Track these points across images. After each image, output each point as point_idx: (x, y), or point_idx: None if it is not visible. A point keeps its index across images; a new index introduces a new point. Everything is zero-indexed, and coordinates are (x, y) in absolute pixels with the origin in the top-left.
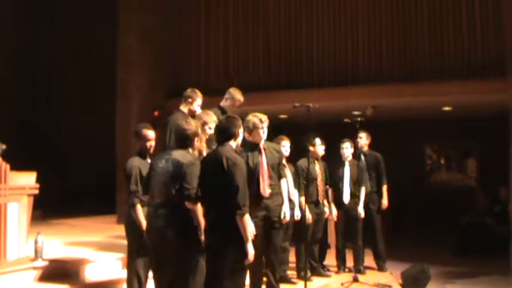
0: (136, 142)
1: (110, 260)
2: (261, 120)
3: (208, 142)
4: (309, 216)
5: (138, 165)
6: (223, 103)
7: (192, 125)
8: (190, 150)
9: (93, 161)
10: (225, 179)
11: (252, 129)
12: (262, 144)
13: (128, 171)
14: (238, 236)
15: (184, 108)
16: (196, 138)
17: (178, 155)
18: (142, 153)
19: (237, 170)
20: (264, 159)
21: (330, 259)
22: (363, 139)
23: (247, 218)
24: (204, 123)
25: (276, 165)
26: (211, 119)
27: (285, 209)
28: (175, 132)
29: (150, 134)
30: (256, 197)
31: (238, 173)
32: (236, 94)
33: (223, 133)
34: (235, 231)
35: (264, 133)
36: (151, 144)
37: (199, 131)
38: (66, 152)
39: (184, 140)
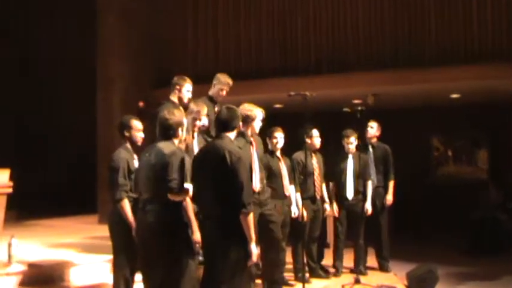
0: (121, 135)
1: (94, 263)
2: (257, 113)
3: (202, 134)
4: (304, 213)
5: (126, 157)
6: (211, 91)
7: (175, 115)
8: (175, 140)
9: (73, 157)
10: (227, 174)
11: (248, 122)
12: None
13: (114, 164)
14: (241, 235)
15: (174, 97)
16: (180, 128)
17: (162, 146)
18: (130, 146)
19: (241, 165)
20: (254, 153)
21: (329, 259)
22: (374, 129)
23: (251, 217)
24: (196, 117)
25: (262, 157)
26: (203, 111)
27: (293, 208)
28: (159, 123)
29: (138, 124)
30: None
31: (242, 168)
32: (223, 77)
33: (225, 125)
34: (237, 230)
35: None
36: (141, 135)
37: (185, 121)
38: (43, 148)
39: (167, 130)
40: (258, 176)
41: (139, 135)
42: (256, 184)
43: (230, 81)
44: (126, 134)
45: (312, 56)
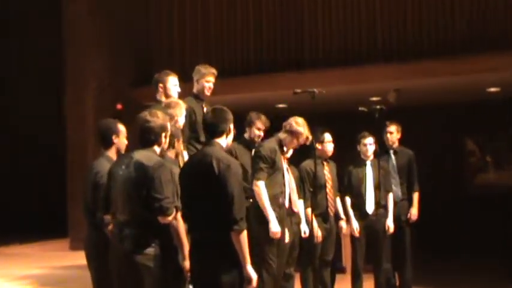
0: (104, 142)
1: None
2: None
3: (190, 141)
4: (317, 232)
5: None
6: (195, 88)
7: (158, 116)
8: (156, 149)
9: (37, 170)
10: (215, 186)
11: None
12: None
13: (95, 179)
14: (234, 258)
15: (161, 97)
16: (163, 134)
17: (141, 156)
18: (113, 155)
19: (231, 174)
20: (284, 160)
21: (345, 286)
22: (394, 134)
23: (244, 235)
24: (171, 118)
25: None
26: (180, 111)
27: (303, 227)
28: (138, 127)
29: (124, 129)
30: None
31: (233, 178)
32: (203, 68)
33: (211, 130)
34: (229, 252)
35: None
36: (125, 142)
37: (170, 125)
38: (1, 159)
39: (148, 136)
40: (287, 188)
41: (125, 143)
42: (286, 196)
43: (213, 70)
44: (115, 140)
45: (320, 47)
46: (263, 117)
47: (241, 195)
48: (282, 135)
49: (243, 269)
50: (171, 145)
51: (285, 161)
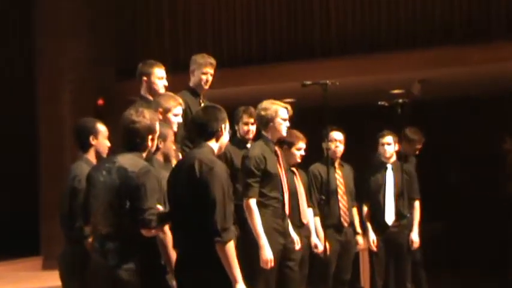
0: (82, 143)
1: None
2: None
3: (182, 143)
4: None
5: None
6: (191, 80)
7: (145, 116)
8: (141, 152)
9: (5, 178)
10: (197, 191)
11: (267, 122)
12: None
13: (73, 184)
14: (224, 274)
15: (145, 93)
16: (150, 136)
17: (125, 161)
18: (95, 159)
19: (214, 177)
20: (282, 163)
21: None
22: (417, 142)
23: (231, 247)
24: (166, 111)
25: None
26: (175, 102)
27: (314, 239)
28: (122, 127)
29: (105, 130)
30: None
31: (215, 181)
32: (200, 58)
33: (200, 130)
34: (217, 268)
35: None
36: (107, 144)
37: (158, 126)
38: None
39: (133, 138)
40: (287, 195)
41: (106, 144)
42: (287, 206)
43: (211, 60)
44: (93, 141)
45: (333, 32)
46: (251, 110)
47: (225, 202)
48: (263, 132)
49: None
50: (157, 148)
51: (282, 160)
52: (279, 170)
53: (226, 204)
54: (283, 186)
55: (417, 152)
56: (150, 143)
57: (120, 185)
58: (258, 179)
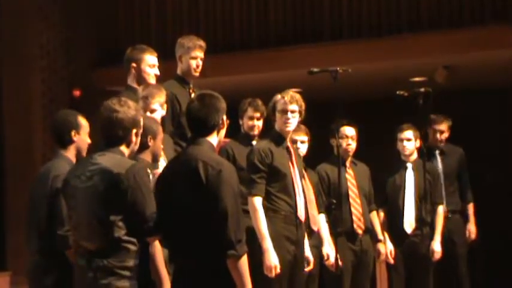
0: (61, 139)
1: None
2: (286, 99)
3: (173, 138)
4: (332, 253)
5: None
6: (179, 68)
7: (130, 107)
8: (124, 149)
9: None
10: (203, 199)
11: (272, 114)
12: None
13: (54, 184)
14: None
15: (133, 82)
16: (135, 130)
17: (107, 160)
18: (75, 158)
19: (223, 182)
20: (295, 162)
21: None
22: (445, 133)
23: (245, 262)
24: (144, 107)
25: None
26: (160, 98)
27: (325, 249)
28: (102, 119)
29: (86, 123)
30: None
31: (225, 187)
32: (187, 40)
33: (198, 124)
34: (224, 284)
35: (293, 118)
36: (87, 140)
37: (142, 119)
38: None
39: (115, 130)
40: (301, 199)
41: (87, 141)
42: (301, 211)
43: (201, 42)
44: (75, 137)
45: (344, 13)
46: (257, 102)
47: (237, 209)
48: (275, 125)
49: None
50: (145, 146)
51: (295, 159)
52: (291, 169)
53: (239, 212)
54: (296, 189)
55: (443, 143)
56: (134, 138)
57: (105, 190)
58: (264, 175)
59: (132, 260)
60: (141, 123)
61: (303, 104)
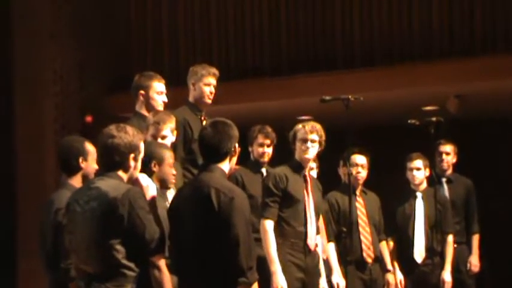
0: (68, 166)
1: None
2: (306, 129)
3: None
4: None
5: None
6: (191, 95)
7: (127, 133)
8: (122, 174)
9: None
10: (215, 226)
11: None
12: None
13: (56, 218)
14: None
15: (142, 108)
16: (132, 155)
17: (105, 185)
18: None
19: (235, 209)
20: (310, 191)
21: None
22: (451, 155)
23: None
24: (155, 133)
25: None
26: (169, 119)
27: (335, 279)
28: (100, 145)
29: (93, 150)
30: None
31: (237, 215)
32: (201, 68)
33: (210, 151)
34: None
35: (312, 148)
36: (94, 167)
37: (142, 145)
38: None
39: (111, 155)
40: (313, 227)
41: (95, 168)
42: (311, 239)
43: (214, 70)
44: (82, 164)
45: (356, 40)
46: (267, 129)
47: (249, 237)
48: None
49: None
50: (149, 171)
51: (311, 188)
52: (305, 197)
53: (250, 240)
54: (308, 217)
55: (450, 170)
56: (132, 163)
57: (102, 215)
58: (277, 199)
59: (129, 285)
60: (141, 148)
61: (323, 134)
